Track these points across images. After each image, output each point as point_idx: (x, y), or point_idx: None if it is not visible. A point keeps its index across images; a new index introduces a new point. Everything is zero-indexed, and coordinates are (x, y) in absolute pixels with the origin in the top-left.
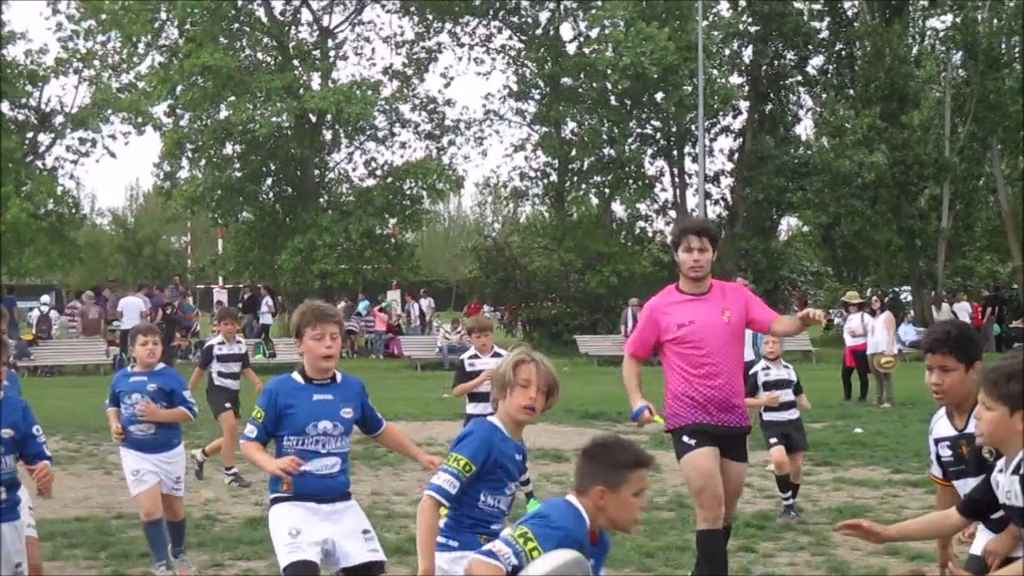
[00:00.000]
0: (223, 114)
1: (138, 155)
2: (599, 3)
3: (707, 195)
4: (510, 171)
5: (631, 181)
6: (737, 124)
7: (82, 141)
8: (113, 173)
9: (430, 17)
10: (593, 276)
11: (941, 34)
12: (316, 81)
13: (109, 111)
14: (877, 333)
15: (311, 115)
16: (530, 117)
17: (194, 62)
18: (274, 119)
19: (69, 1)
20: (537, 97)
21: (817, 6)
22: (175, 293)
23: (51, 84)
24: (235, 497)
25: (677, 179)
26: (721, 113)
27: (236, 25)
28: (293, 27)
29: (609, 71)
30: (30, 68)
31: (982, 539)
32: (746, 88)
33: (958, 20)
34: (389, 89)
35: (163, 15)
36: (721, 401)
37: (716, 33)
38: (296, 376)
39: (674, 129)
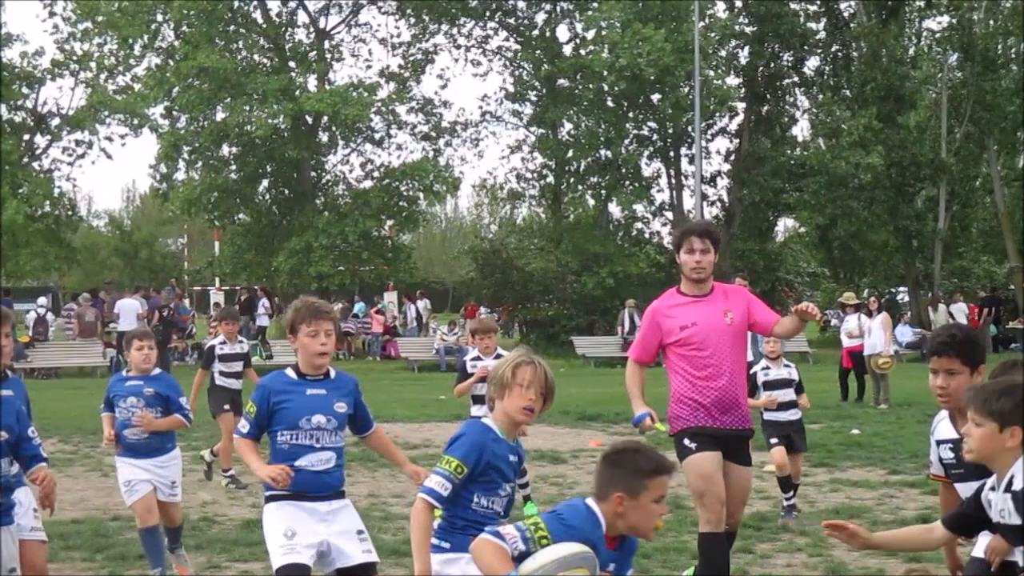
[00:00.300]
0: (219, 116)
1: (134, 157)
2: (595, 4)
3: (703, 196)
4: (507, 172)
5: (628, 182)
6: (733, 125)
7: (78, 143)
8: (109, 175)
9: (426, 19)
10: (590, 277)
11: (937, 35)
12: (312, 83)
13: (105, 113)
14: (874, 334)
15: (308, 117)
16: (527, 118)
17: (190, 64)
18: (271, 121)
19: (66, 3)
20: (533, 98)
21: (813, 7)
22: (172, 295)
23: (47, 86)
24: (232, 499)
25: (674, 180)
26: (717, 114)
27: (232, 27)
28: (289, 29)
29: (606, 72)
30: (26, 70)
31: (984, 541)
32: (742, 89)
33: (954, 21)
34: (386, 91)
35: (159, 17)
36: (724, 403)
37: (712, 34)
38: (289, 372)
39: (671, 130)
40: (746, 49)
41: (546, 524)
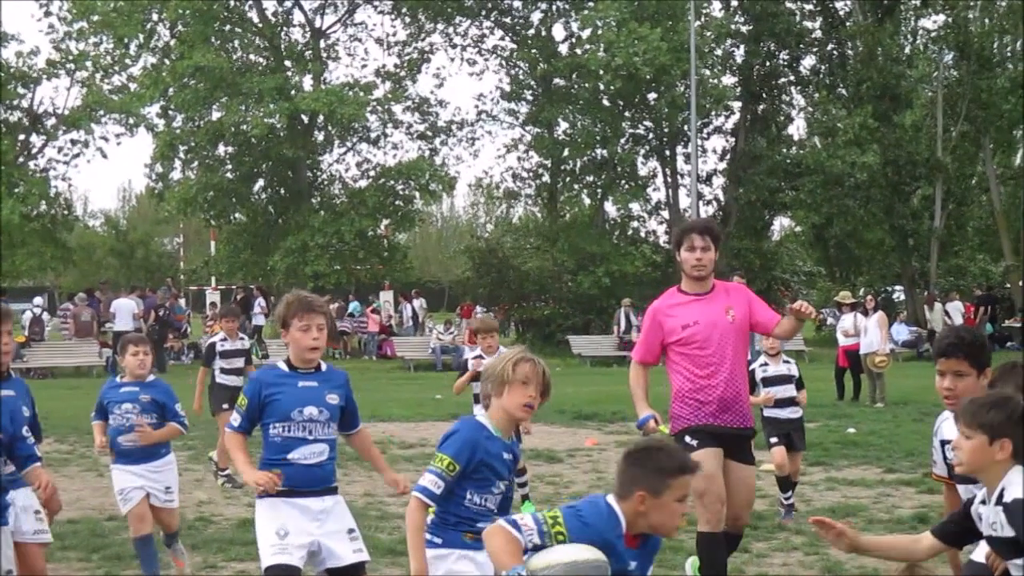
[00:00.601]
0: (215, 115)
1: (130, 157)
2: (591, 4)
3: (699, 195)
4: (503, 172)
5: (623, 181)
6: (729, 124)
7: (74, 142)
8: (105, 175)
9: (422, 18)
10: (586, 277)
11: (933, 34)
12: (308, 82)
13: (101, 112)
14: (870, 333)
15: (303, 116)
16: (522, 118)
17: (186, 63)
18: (267, 120)
19: (61, 3)
20: (529, 98)
21: (809, 6)
22: (167, 295)
23: (43, 86)
24: (228, 498)
25: (669, 179)
26: (713, 113)
27: (228, 26)
28: (285, 28)
29: (601, 71)
30: (21, 70)
31: (985, 544)
32: (738, 88)
33: (950, 20)
34: (381, 90)
35: (155, 16)
36: (725, 401)
37: (708, 33)
38: (281, 365)
39: (666, 129)
40: (742, 48)
41: (564, 520)
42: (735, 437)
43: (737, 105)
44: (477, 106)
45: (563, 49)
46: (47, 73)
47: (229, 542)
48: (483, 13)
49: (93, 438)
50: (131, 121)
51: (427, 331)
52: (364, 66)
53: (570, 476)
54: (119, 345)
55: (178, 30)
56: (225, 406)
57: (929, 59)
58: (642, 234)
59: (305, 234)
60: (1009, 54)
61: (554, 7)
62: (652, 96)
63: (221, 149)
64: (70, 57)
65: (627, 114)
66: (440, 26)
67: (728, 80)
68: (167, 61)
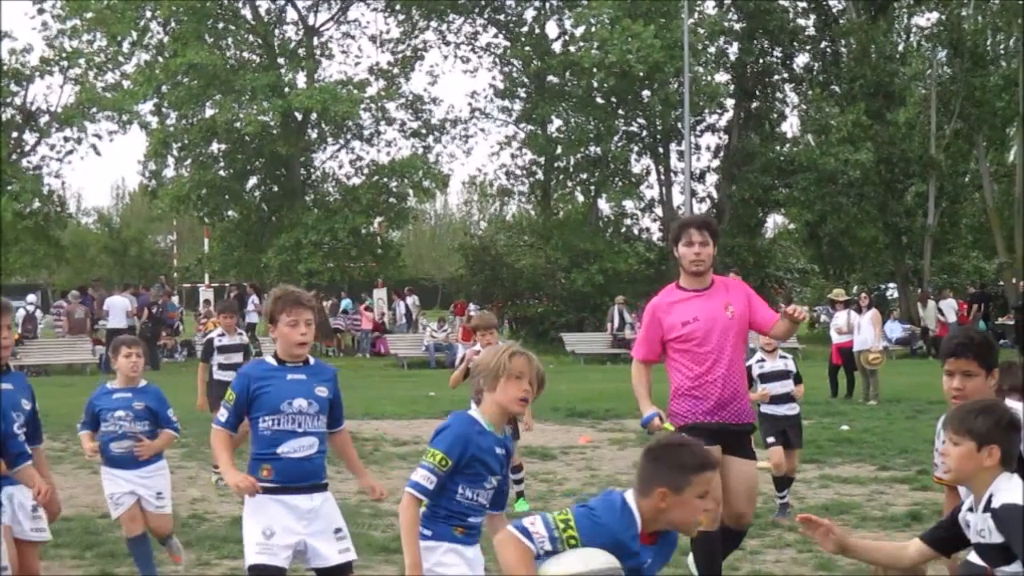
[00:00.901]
0: (208, 113)
1: (124, 154)
2: (585, 1)
3: (693, 193)
4: (496, 169)
5: (617, 179)
6: (723, 122)
7: (66, 139)
8: (99, 172)
9: (416, 16)
10: (579, 274)
11: (926, 31)
12: (302, 80)
13: (94, 110)
14: (864, 330)
15: (297, 114)
16: (516, 115)
17: (179, 61)
18: (260, 118)
19: (55, 0)
20: (523, 95)
21: (802, 4)
22: (161, 292)
23: (36, 83)
24: (222, 496)
25: (663, 177)
26: (707, 111)
27: (221, 24)
28: (278, 26)
29: (595, 69)
30: (14, 68)
31: None
32: (732, 86)
33: (943, 17)
34: (375, 88)
35: (148, 14)
36: (724, 398)
37: (702, 31)
38: (270, 359)
39: (660, 127)
40: (735, 45)
41: (576, 522)
42: (734, 433)
43: (730, 103)
44: (470, 103)
45: (556, 47)
46: (40, 71)
47: (223, 539)
48: (476, 10)
49: (83, 445)
50: (124, 118)
51: (420, 329)
52: (358, 63)
53: (564, 473)
54: (111, 346)
55: (171, 27)
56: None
57: (922, 57)
58: (636, 232)
59: (298, 231)
60: (1002, 51)
61: (547, 5)
62: (646, 93)
63: (214, 146)
64: (63, 54)
65: (620, 111)
66: (433, 23)
67: (721, 77)
68: (160, 58)
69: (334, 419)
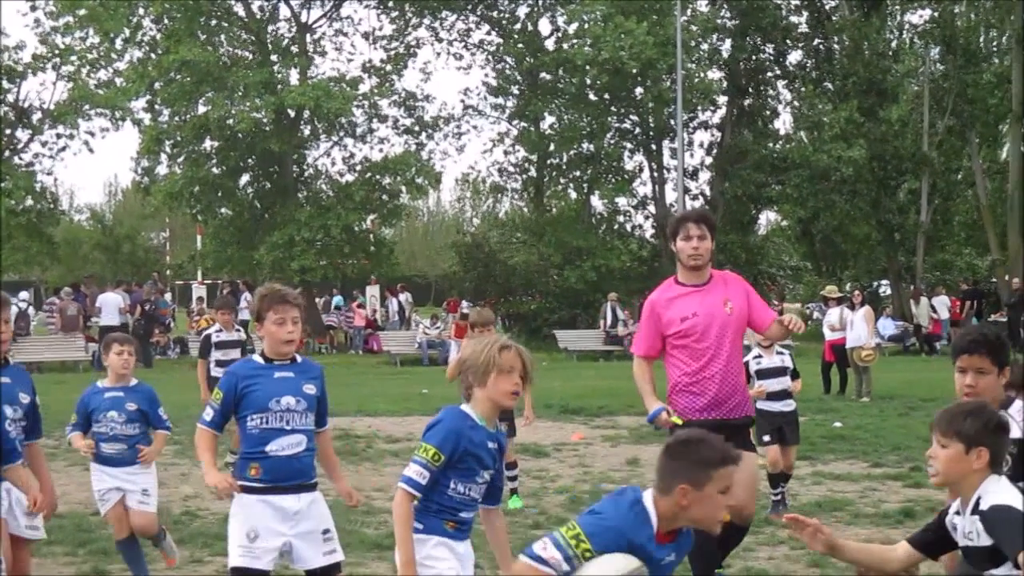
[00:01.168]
0: (201, 110)
1: (116, 152)
2: None
3: (686, 190)
4: (489, 166)
5: (610, 176)
6: (716, 119)
7: (59, 136)
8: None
9: (409, 13)
10: (572, 271)
11: (919, 28)
12: (295, 77)
13: (87, 106)
14: (856, 327)
15: (289, 111)
16: (509, 112)
17: (172, 58)
18: (253, 115)
19: None
20: (516, 92)
21: (796, 0)
22: (154, 289)
23: (29, 80)
24: (214, 492)
25: (656, 174)
26: (699, 108)
27: (214, 21)
28: (271, 23)
29: (588, 66)
30: (7, 65)
31: None
32: (724, 83)
33: (936, 14)
34: (368, 85)
35: (140, 10)
36: (722, 393)
37: (694, 28)
38: (256, 358)
39: (653, 124)
40: (728, 42)
41: (587, 533)
42: (733, 427)
43: (723, 99)
44: (463, 101)
45: (549, 44)
46: (33, 68)
47: (215, 536)
48: (469, 7)
49: (75, 446)
50: (117, 115)
51: (413, 326)
52: (351, 60)
53: (556, 470)
54: (102, 344)
55: (164, 24)
56: None
57: (915, 54)
58: (628, 228)
59: (291, 228)
60: (995, 49)
61: (540, 2)
62: (638, 90)
63: (207, 143)
64: (56, 51)
65: (613, 108)
66: (426, 20)
67: (714, 74)
68: (153, 55)
69: (319, 418)
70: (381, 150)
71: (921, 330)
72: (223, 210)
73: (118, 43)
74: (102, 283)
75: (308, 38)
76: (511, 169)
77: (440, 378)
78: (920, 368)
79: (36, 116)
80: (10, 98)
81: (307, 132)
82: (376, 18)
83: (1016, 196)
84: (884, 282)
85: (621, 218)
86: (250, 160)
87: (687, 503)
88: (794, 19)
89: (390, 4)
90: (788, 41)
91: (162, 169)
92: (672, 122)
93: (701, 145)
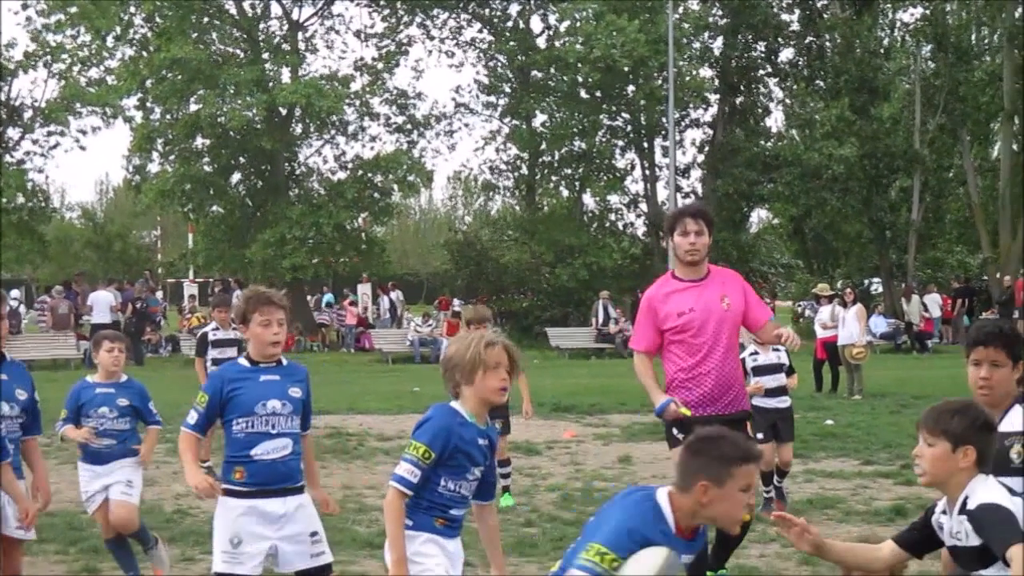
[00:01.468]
0: (193, 108)
1: (108, 150)
2: None
3: (677, 188)
4: (480, 164)
5: (602, 174)
6: (707, 117)
7: (50, 134)
8: (83, 168)
9: (400, 10)
10: (564, 269)
11: (910, 26)
12: (286, 75)
13: (78, 104)
14: (848, 325)
15: (281, 109)
16: (500, 110)
17: (163, 55)
18: (244, 113)
19: None
20: (507, 90)
21: None
22: (145, 287)
23: (20, 78)
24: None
25: (647, 172)
26: (691, 106)
27: (205, 19)
28: (263, 21)
29: (579, 64)
30: None
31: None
32: (716, 80)
33: (927, 12)
34: (359, 82)
35: (132, 8)
36: (718, 389)
37: (686, 25)
38: (242, 360)
39: (644, 122)
40: (719, 40)
41: (607, 545)
42: (729, 423)
43: (715, 97)
44: (455, 99)
45: (541, 41)
46: (24, 66)
47: (206, 535)
48: (460, 5)
49: (70, 438)
50: (108, 112)
51: (405, 324)
52: (342, 58)
53: (548, 468)
54: (93, 341)
55: (155, 22)
56: None
57: (907, 52)
58: (620, 227)
59: (283, 226)
60: (987, 46)
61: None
62: (630, 88)
63: (199, 141)
64: (47, 49)
65: (605, 106)
66: (418, 18)
67: (706, 72)
68: (144, 53)
69: (303, 422)
70: (373, 148)
71: (912, 328)
72: (214, 208)
73: (109, 41)
74: (93, 281)
75: (299, 36)
76: (503, 167)
77: (432, 376)
78: (912, 366)
79: (27, 114)
80: (1, 96)
81: (299, 130)
82: (368, 16)
83: (1007, 194)
84: (876, 280)
85: (613, 216)
86: (242, 158)
87: (707, 500)
88: (786, 17)
89: (382, 2)
90: (780, 39)
91: (154, 167)
92: (664, 120)
93: (693, 143)
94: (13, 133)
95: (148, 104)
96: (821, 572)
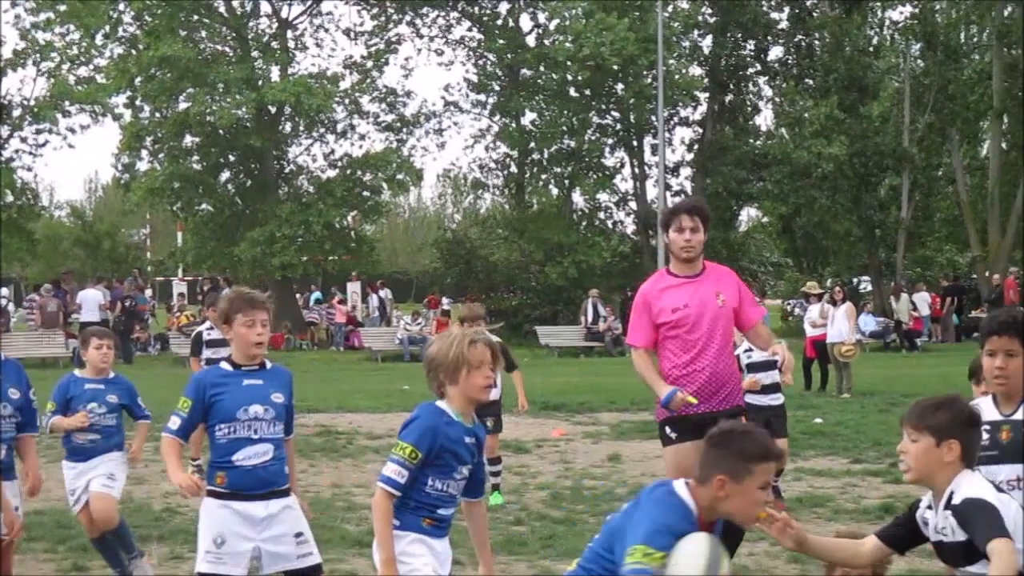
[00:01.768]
0: (182, 106)
1: (97, 148)
2: None
3: (667, 186)
4: (470, 162)
5: (591, 172)
6: (697, 115)
7: (38, 131)
8: (72, 166)
9: (391, 9)
10: (553, 268)
11: (900, 25)
12: (275, 73)
13: (67, 102)
14: (837, 323)
15: (270, 107)
16: (490, 108)
17: (152, 54)
18: (233, 111)
19: None
20: (497, 88)
21: None
22: (134, 286)
23: (8, 76)
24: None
25: (637, 170)
26: (680, 104)
27: (195, 17)
28: (252, 19)
29: (569, 62)
30: None
31: None
32: (705, 79)
33: (916, 11)
34: (349, 81)
35: (121, 6)
36: (712, 386)
37: (676, 24)
38: (224, 364)
39: (634, 120)
40: (709, 38)
41: (651, 545)
42: (720, 419)
43: (704, 96)
44: (444, 97)
45: (530, 40)
46: (13, 64)
47: (196, 534)
48: (450, 3)
49: (63, 427)
50: (97, 109)
51: (394, 322)
52: (331, 56)
53: (537, 467)
54: (80, 338)
55: (144, 20)
56: None
57: (896, 50)
58: (609, 225)
59: (272, 225)
60: (976, 45)
61: None
62: (619, 87)
63: (188, 139)
64: (36, 47)
65: (594, 104)
66: (407, 16)
67: (695, 71)
68: (134, 52)
69: (285, 426)
70: (362, 146)
71: (902, 326)
72: (204, 206)
73: (98, 39)
74: (82, 279)
75: (289, 34)
76: (492, 165)
77: (421, 374)
78: (901, 364)
79: (16, 112)
80: None
81: (288, 128)
82: (357, 14)
83: (996, 192)
84: (865, 278)
85: (602, 214)
86: (231, 156)
87: (724, 494)
88: (775, 15)
89: (371, 0)
90: (769, 37)
91: (143, 165)
92: (653, 118)
93: (682, 141)
94: (2, 131)
95: (137, 102)
96: (810, 571)
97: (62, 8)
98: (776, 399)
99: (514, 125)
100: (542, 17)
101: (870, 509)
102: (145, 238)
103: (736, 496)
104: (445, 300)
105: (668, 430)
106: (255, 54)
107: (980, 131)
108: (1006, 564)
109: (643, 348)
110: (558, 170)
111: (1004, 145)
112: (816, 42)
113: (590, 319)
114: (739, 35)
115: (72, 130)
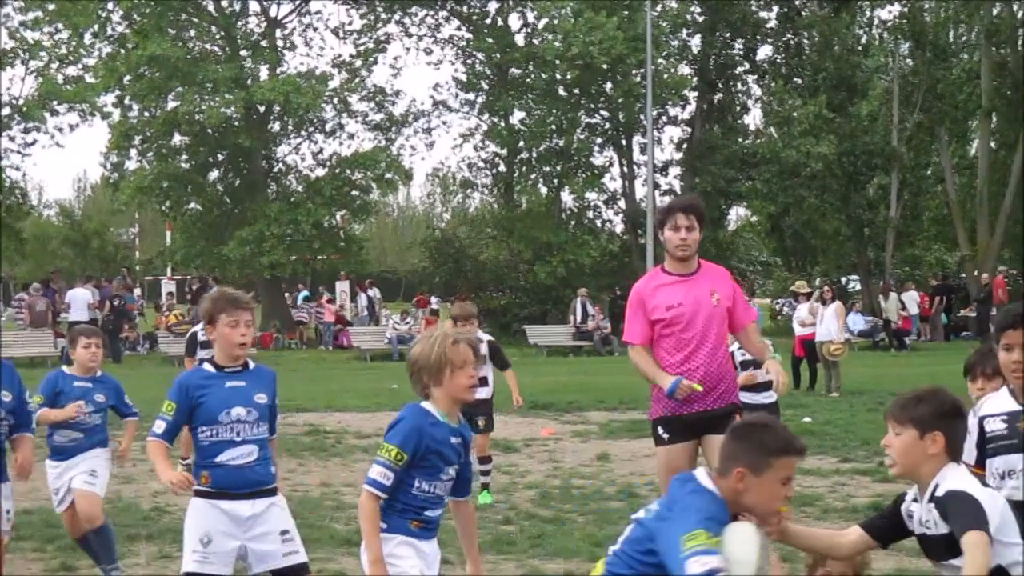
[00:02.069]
0: (171, 105)
1: (86, 147)
2: None
3: (656, 185)
4: (459, 161)
5: (580, 171)
6: (686, 114)
7: (27, 130)
8: (61, 165)
9: (379, 8)
10: (542, 267)
11: (889, 24)
12: (264, 72)
13: (55, 102)
14: (826, 322)
15: (259, 106)
16: (478, 107)
17: (141, 53)
18: (222, 110)
19: None
20: (485, 87)
21: None
22: (122, 285)
23: None
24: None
25: (626, 169)
26: (669, 103)
27: (184, 16)
28: (241, 18)
29: (557, 61)
30: None
31: None
32: (694, 78)
33: (905, 10)
34: (337, 80)
35: (110, 5)
36: (706, 385)
37: (664, 23)
38: (207, 366)
39: (622, 119)
40: (697, 37)
41: (703, 528)
42: (714, 418)
43: (693, 95)
44: (433, 96)
45: (519, 39)
46: (1, 63)
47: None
48: (439, 2)
49: (54, 419)
50: (85, 108)
51: (383, 321)
52: (320, 56)
53: (526, 466)
54: (69, 337)
55: (133, 19)
56: None
57: (885, 49)
58: (598, 224)
59: (261, 224)
60: (964, 44)
61: None
62: (608, 86)
63: (176, 139)
64: (25, 46)
65: (583, 104)
66: (396, 15)
67: (684, 70)
68: (122, 51)
69: (270, 425)
70: (351, 145)
71: (890, 325)
72: (192, 205)
73: (87, 38)
74: (71, 278)
75: (277, 33)
76: (481, 164)
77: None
78: (889, 363)
79: (5, 111)
80: None
81: (276, 127)
82: (346, 13)
83: (985, 192)
84: (854, 277)
85: (591, 213)
86: (219, 155)
87: (743, 488)
88: (764, 14)
89: None
90: (758, 36)
91: (131, 164)
92: (642, 117)
93: (671, 140)
94: None
95: (126, 101)
96: (799, 570)
97: (51, 7)
98: (769, 397)
99: (503, 124)
100: (531, 16)
101: (859, 508)
102: (134, 237)
103: (755, 489)
104: (434, 299)
105: (661, 430)
106: (244, 53)
107: (969, 130)
108: (979, 555)
109: (640, 344)
110: (547, 169)
111: (993, 144)
112: (805, 41)
113: (579, 318)
114: (728, 34)
115: (61, 129)
